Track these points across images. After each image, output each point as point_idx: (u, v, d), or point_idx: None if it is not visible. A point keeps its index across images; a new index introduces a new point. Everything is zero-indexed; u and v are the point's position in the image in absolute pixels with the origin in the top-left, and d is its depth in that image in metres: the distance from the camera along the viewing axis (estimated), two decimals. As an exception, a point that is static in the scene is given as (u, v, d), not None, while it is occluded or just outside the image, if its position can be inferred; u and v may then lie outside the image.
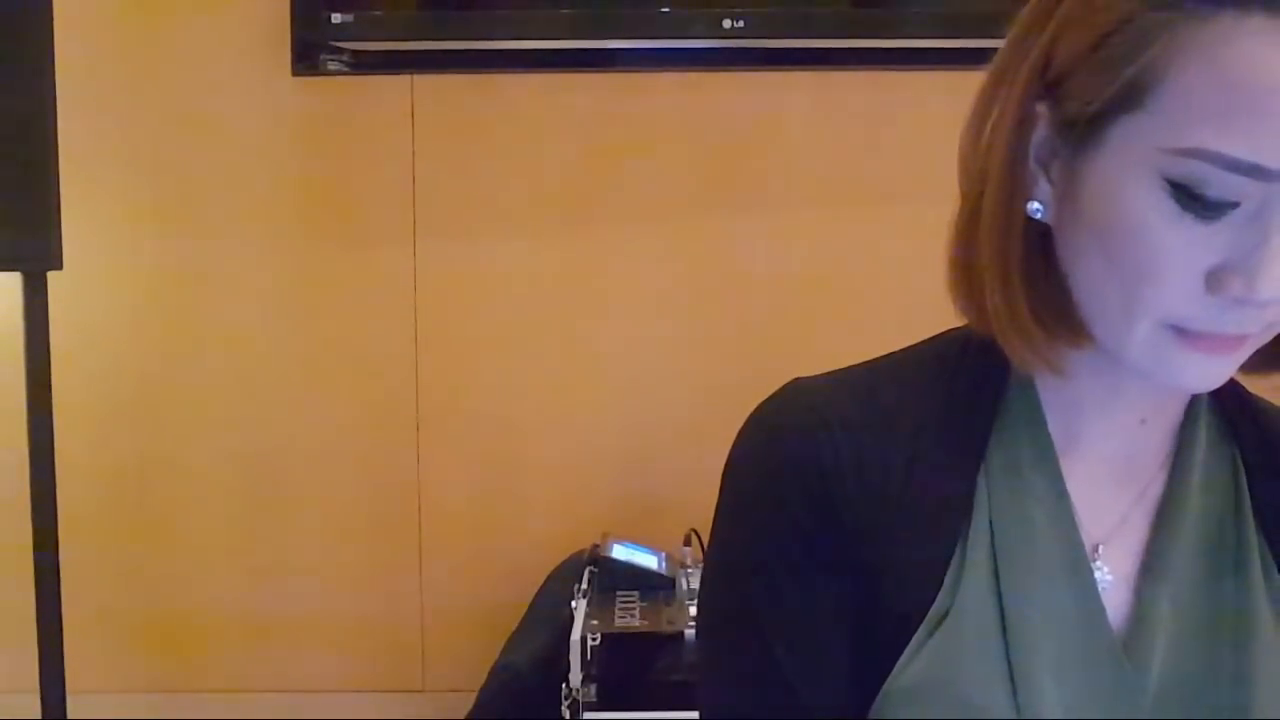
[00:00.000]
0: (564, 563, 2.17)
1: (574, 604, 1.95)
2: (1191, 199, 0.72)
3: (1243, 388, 0.88)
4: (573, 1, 2.17)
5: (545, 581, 2.16)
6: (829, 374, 0.88)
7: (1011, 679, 0.79)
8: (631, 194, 2.29)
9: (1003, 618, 0.80)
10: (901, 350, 0.89)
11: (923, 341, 0.90)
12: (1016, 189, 0.79)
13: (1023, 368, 0.82)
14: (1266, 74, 0.70)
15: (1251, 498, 0.86)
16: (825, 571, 0.82)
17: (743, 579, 0.85)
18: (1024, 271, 0.79)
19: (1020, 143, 0.78)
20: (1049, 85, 0.77)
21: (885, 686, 0.80)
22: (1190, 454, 0.87)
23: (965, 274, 0.82)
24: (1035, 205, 0.79)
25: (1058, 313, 0.80)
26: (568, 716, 1.85)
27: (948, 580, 0.81)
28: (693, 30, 2.14)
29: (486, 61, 2.24)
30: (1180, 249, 0.73)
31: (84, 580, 2.19)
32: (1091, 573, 0.83)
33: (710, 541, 0.88)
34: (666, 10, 2.14)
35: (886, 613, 0.81)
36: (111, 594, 2.33)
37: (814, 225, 2.26)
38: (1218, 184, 0.71)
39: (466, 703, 2.01)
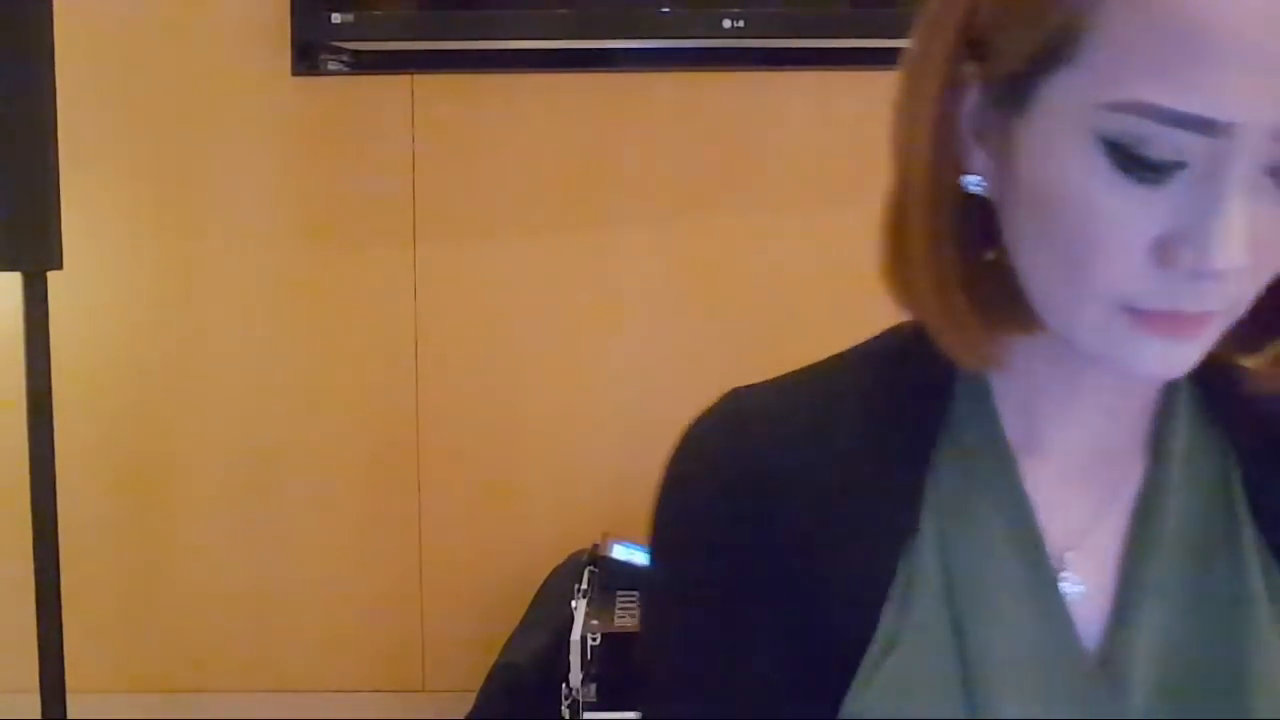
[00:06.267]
0: (564, 563, 2.17)
1: (574, 604, 1.95)
2: (1131, 159, 0.64)
3: (1231, 361, 0.78)
4: (573, 1, 2.17)
5: (545, 581, 2.16)
6: (769, 382, 0.81)
7: (973, 710, 0.72)
8: (631, 194, 2.29)
9: (960, 644, 0.72)
10: (847, 350, 0.82)
11: (869, 340, 0.82)
12: (945, 161, 0.71)
13: (958, 361, 0.74)
14: (1209, 11, 0.61)
15: (1245, 487, 0.77)
16: (762, 596, 0.75)
17: (677, 600, 0.79)
18: (958, 252, 0.71)
19: (947, 109, 0.70)
20: (975, 42, 0.69)
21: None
22: (1169, 443, 0.77)
23: (899, 259, 0.74)
24: (974, 178, 0.71)
25: (1003, 298, 0.72)
26: (568, 716, 1.85)
27: (892, 605, 0.73)
28: (693, 30, 2.14)
29: (486, 61, 2.24)
30: (1122, 217, 0.65)
31: (84, 580, 2.19)
32: (1056, 585, 0.74)
33: (649, 559, 0.82)
34: (666, 10, 2.14)
35: (829, 639, 0.74)
36: (111, 594, 2.33)
37: (814, 225, 2.26)
38: (1159, 141, 0.63)
39: (466, 703, 2.01)
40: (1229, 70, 0.61)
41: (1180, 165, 0.63)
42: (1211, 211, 0.63)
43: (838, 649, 0.73)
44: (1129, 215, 0.65)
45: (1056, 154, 0.66)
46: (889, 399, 0.78)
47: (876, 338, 0.82)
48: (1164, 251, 0.65)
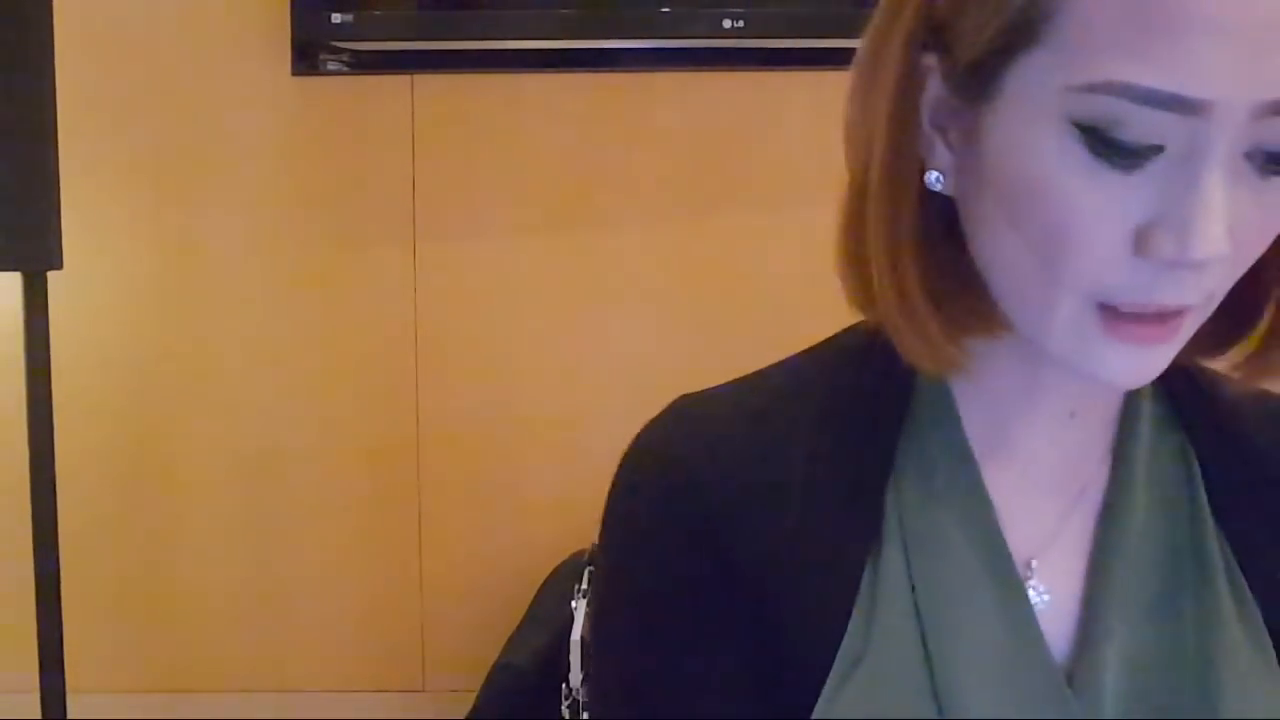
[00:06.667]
0: (564, 563, 2.17)
1: (574, 604, 1.95)
2: (1106, 144, 0.60)
3: (1193, 363, 0.76)
4: (573, 1, 2.17)
5: (545, 581, 2.16)
6: (720, 387, 0.79)
7: None
8: (631, 194, 2.29)
9: (927, 656, 0.70)
10: (800, 354, 0.80)
11: (823, 342, 0.80)
12: (905, 155, 0.68)
13: (918, 365, 0.71)
14: None
15: (1207, 490, 0.76)
16: (716, 619, 0.73)
17: (626, 607, 0.77)
18: (919, 252, 0.68)
19: (907, 101, 0.67)
20: (935, 30, 0.66)
21: None
22: (1132, 446, 0.76)
23: (856, 260, 0.71)
24: (934, 174, 0.68)
25: (966, 299, 0.69)
26: (568, 716, 1.85)
27: (857, 618, 0.71)
28: (693, 30, 2.14)
29: (486, 61, 2.24)
30: (1098, 205, 0.62)
31: (84, 580, 2.19)
32: (1025, 594, 0.72)
33: (595, 578, 0.80)
34: (666, 10, 2.14)
35: (792, 659, 0.71)
36: (111, 593, 2.33)
37: (814, 225, 2.25)
38: (1134, 123, 0.60)
39: (466, 703, 2.01)
40: (1206, 46, 0.58)
41: (1157, 149, 0.61)
42: (1191, 197, 0.60)
43: (803, 658, 0.71)
44: (1105, 203, 0.62)
45: (1027, 141, 0.63)
46: (848, 403, 0.75)
47: (832, 339, 0.79)
48: (1142, 240, 0.62)
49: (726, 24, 2.10)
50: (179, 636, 2.35)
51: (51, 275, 1.92)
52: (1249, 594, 0.74)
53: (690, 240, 2.29)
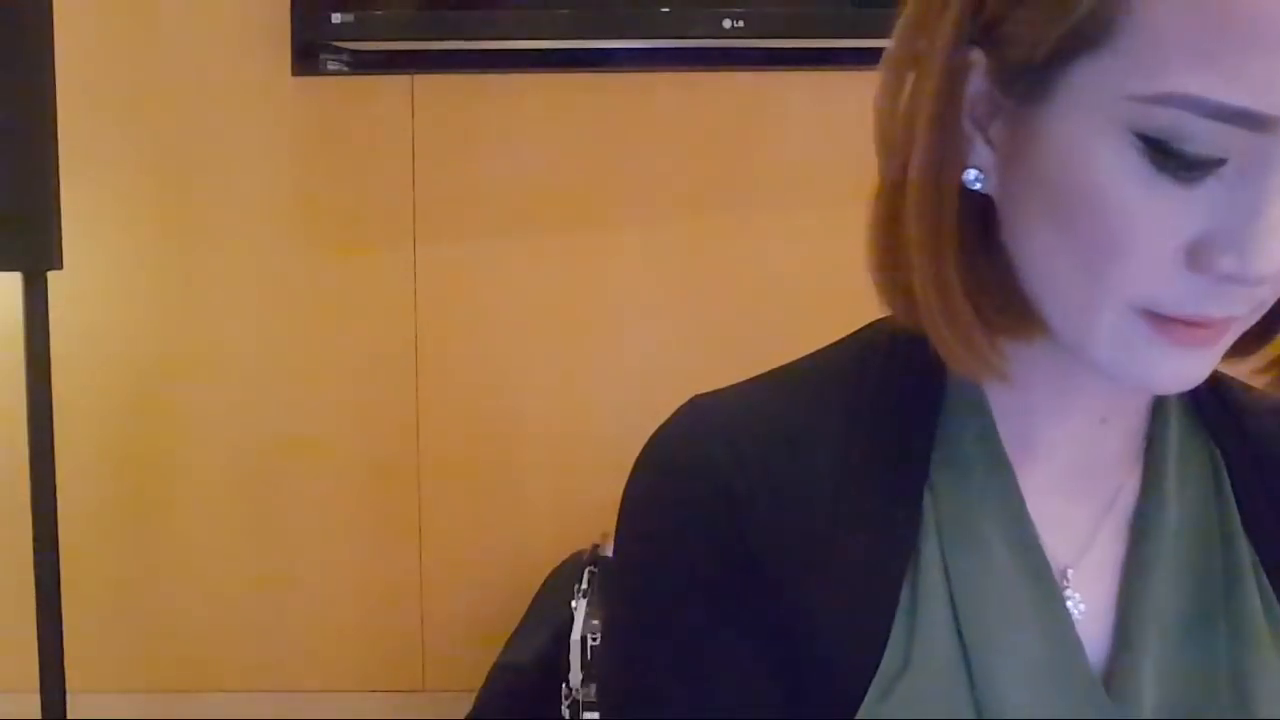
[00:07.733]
0: (564, 563, 2.17)
1: (574, 604, 1.95)
2: (1168, 156, 0.59)
3: (1218, 371, 0.72)
4: (573, 1, 2.17)
5: (545, 581, 2.16)
6: (736, 388, 0.76)
7: None
8: (631, 194, 2.29)
9: (968, 668, 0.68)
10: (818, 353, 0.77)
11: (841, 341, 0.77)
12: (947, 153, 0.65)
13: (960, 370, 0.69)
14: None
15: (1235, 498, 0.75)
16: (740, 630, 0.70)
17: (647, 630, 0.73)
18: (959, 254, 0.66)
19: (950, 98, 0.65)
20: (984, 26, 0.64)
21: None
22: (1162, 454, 0.74)
23: (890, 259, 0.69)
24: (973, 173, 0.66)
25: (1002, 302, 0.67)
26: (568, 716, 1.85)
27: (898, 628, 0.68)
28: (693, 30, 2.14)
29: (486, 61, 2.24)
30: (1156, 218, 0.60)
31: (84, 580, 2.19)
32: (1064, 605, 0.70)
33: (609, 583, 0.77)
34: (666, 10, 2.14)
35: (826, 669, 0.68)
36: (111, 594, 2.33)
37: (814, 225, 2.26)
38: (1200, 136, 0.58)
39: (466, 703, 2.01)
40: (1277, 60, 0.56)
41: (1220, 162, 0.59)
42: (1253, 213, 0.59)
43: (841, 668, 0.68)
44: (1162, 215, 0.60)
45: (1082, 148, 0.61)
46: (877, 402, 0.73)
47: (851, 337, 0.77)
48: (1198, 255, 0.60)
49: (726, 24, 2.10)
50: (179, 636, 2.35)
51: (51, 275, 1.92)
52: (1277, 605, 0.73)
53: (690, 240, 2.29)
